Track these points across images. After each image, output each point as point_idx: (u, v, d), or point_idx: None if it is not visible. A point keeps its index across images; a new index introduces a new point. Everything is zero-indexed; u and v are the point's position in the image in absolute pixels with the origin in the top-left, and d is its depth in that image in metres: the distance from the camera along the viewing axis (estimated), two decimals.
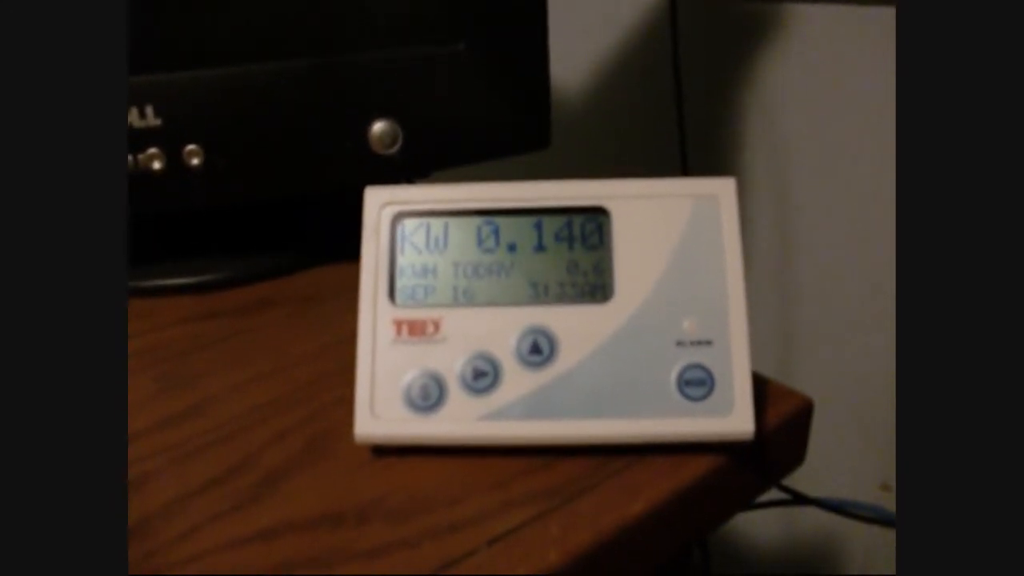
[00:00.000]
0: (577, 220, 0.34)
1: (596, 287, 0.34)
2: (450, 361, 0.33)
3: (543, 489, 0.32)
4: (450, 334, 0.34)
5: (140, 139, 0.43)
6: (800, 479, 0.42)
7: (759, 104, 0.73)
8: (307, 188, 0.48)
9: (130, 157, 0.44)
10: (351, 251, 0.36)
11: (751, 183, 0.75)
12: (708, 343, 0.33)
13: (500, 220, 0.35)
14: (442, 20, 0.45)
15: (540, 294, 0.34)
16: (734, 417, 0.33)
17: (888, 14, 0.63)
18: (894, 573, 0.27)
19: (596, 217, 0.34)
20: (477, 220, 0.35)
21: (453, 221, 0.35)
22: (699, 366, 0.33)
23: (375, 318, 0.34)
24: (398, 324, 0.34)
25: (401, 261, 0.34)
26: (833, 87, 0.68)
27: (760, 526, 0.85)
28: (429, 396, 0.33)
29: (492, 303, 0.34)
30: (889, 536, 0.75)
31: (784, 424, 0.36)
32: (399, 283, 0.34)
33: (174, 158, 0.44)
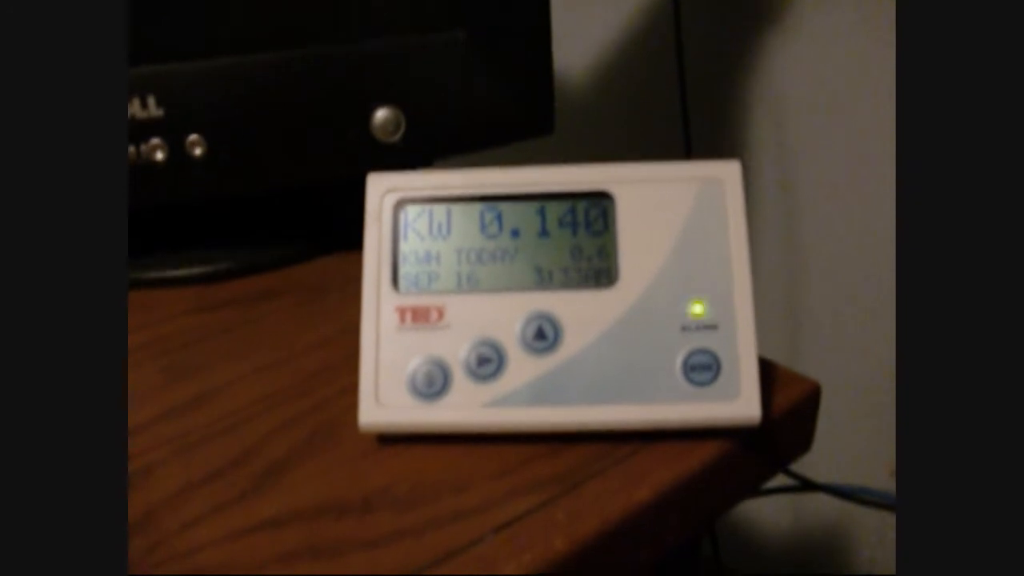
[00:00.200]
0: (581, 205, 0.34)
1: (600, 272, 0.34)
2: (454, 348, 0.33)
3: (549, 476, 0.32)
4: (454, 321, 0.33)
5: (142, 130, 0.43)
6: (808, 465, 0.42)
7: (763, 88, 0.72)
8: (310, 177, 0.47)
9: (132, 148, 0.44)
10: (356, 240, 0.35)
11: (756, 168, 0.74)
12: (714, 327, 0.33)
13: (503, 206, 0.34)
14: (444, 7, 0.45)
15: (544, 280, 0.34)
16: (741, 402, 0.32)
17: None
18: None
19: (600, 202, 0.34)
20: (480, 206, 0.34)
21: (456, 207, 0.34)
22: (705, 351, 0.33)
23: (378, 306, 0.34)
24: (402, 311, 0.34)
25: (404, 248, 0.34)
26: (838, 69, 0.68)
27: (769, 513, 0.85)
28: (434, 383, 0.33)
29: (496, 289, 0.34)
30: None
31: (791, 409, 0.36)
32: (402, 270, 0.34)
33: (176, 149, 0.44)
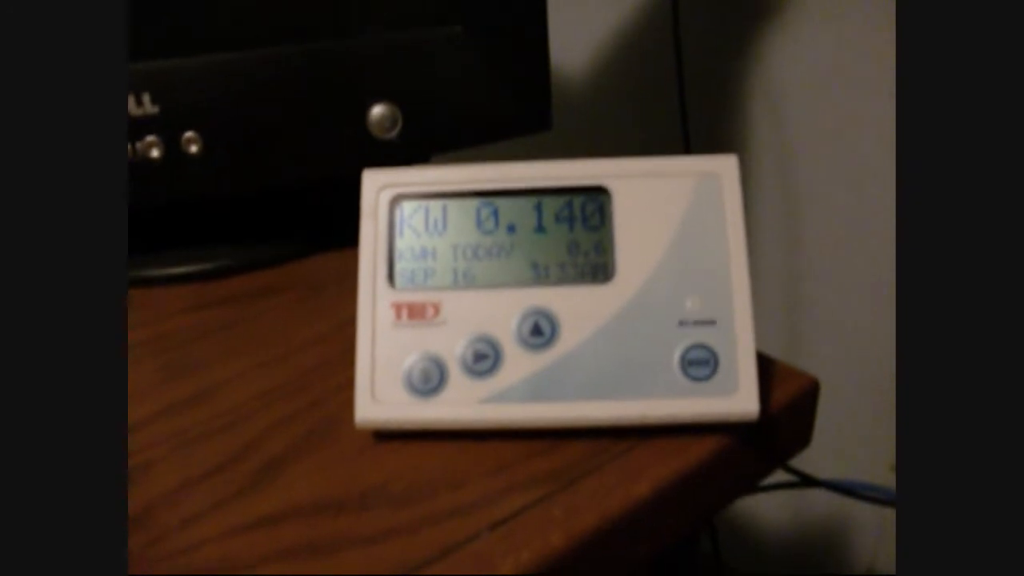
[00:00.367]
0: (577, 200, 0.34)
1: (597, 267, 0.34)
2: (451, 344, 0.33)
3: (546, 472, 0.32)
4: (450, 317, 0.33)
5: (138, 127, 0.43)
6: (808, 461, 0.42)
7: (761, 84, 0.72)
8: (307, 174, 0.47)
9: (128, 146, 0.43)
10: (352, 237, 0.35)
11: (754, 163, 0.74)
12: (711, 322, 0.33)
13: (499, 201, 0.34)
14: (440, 2, 0.44)
15: (541, 275, 0.34)
16: (739, 397, 0.32)
17: None
18: None
19: (597, 197, 0.34)
20: (476, 202, 0.34)
21: (452, 203, 0.34)
22: (702, 346, 0.33)
23: (374, 302, 0.34)
24: (397, 307, 0.34)
25: (400, 244, 0.34)
26: (836, 66, 0.68)
27: (768, 509, 0.85)
28: (430, 380, 0.33)
29: (492, 285, 0.34)
30: None
31: (790, 404, 0.35)
32: (398, 266, 0.34)
33: (172, 146, 0.44)
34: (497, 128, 0.47)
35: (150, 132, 0.43)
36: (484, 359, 0.33)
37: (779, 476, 0.40)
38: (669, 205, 0.34)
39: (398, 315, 0.33)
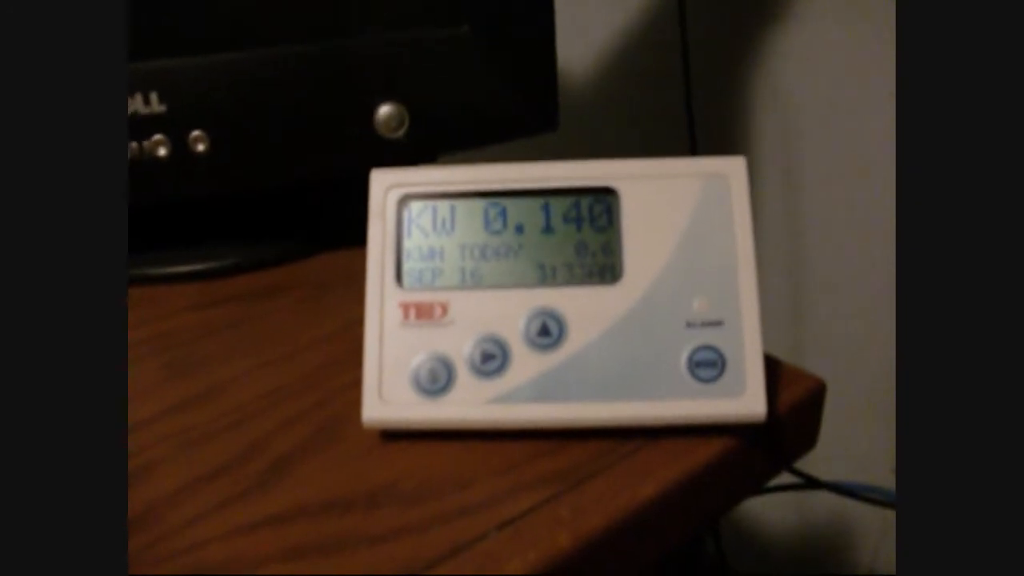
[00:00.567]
0: (585, 201, 0.34)
1: (605, 268, 0.34)
2: (458, 344, 0.33)
3: (553, 472, 0.32)
4: (458, 317, 0.33)
5: (145, 126, 0.43)
6: (811, 462, 0.42)
7: (768, 86, 0.72)
8: (313, 173, 0.47)
9: (135, 144, 0.43)
10: (358, 236, 0.35)
11: (759, 164, 0.74)
12: (719, 324, 0.33)
13: (507, 202, 0.34)
14: (448, 2, 0.44)
15: (548, 276, 0.34)
16: (746, 399, 0.32)
17: None
18: None
19: (604, 198, 0.34)
20: (484, 202, 0.34)
21: (460, 203, 0.34)
22: (710, 347, 0.32)
23: (382, 302, 0.34)
24: (405, 307, 0.33)
25: (408, 244, 0.34)
26: (843, 67, 0.68)
27: (772, 510, 0.85)
28: (437, 379, 0.33)
29: (500, 285, 0.34)
30: None
31: (796, 406, 0.35)
32: (406, 266, 0.34)
33: (179, 145, 0.44)
34: (503, 128, 0.47)
35: (157, 131, 0.43)
36: (492, 359, 0.33)
37: (782, 478, 0.40)
38: (677, 206, 0.34)
39: (406, 315, 0.33)
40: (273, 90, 0.44)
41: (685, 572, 0.46)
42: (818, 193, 0.73)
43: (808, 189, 0.73)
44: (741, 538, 0.87)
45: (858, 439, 0.74)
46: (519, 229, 0.34)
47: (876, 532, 0.79)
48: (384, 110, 0.44)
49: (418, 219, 0.34)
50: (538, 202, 0.34)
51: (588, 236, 0.34)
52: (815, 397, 0.36)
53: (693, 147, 0.66)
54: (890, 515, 0.75)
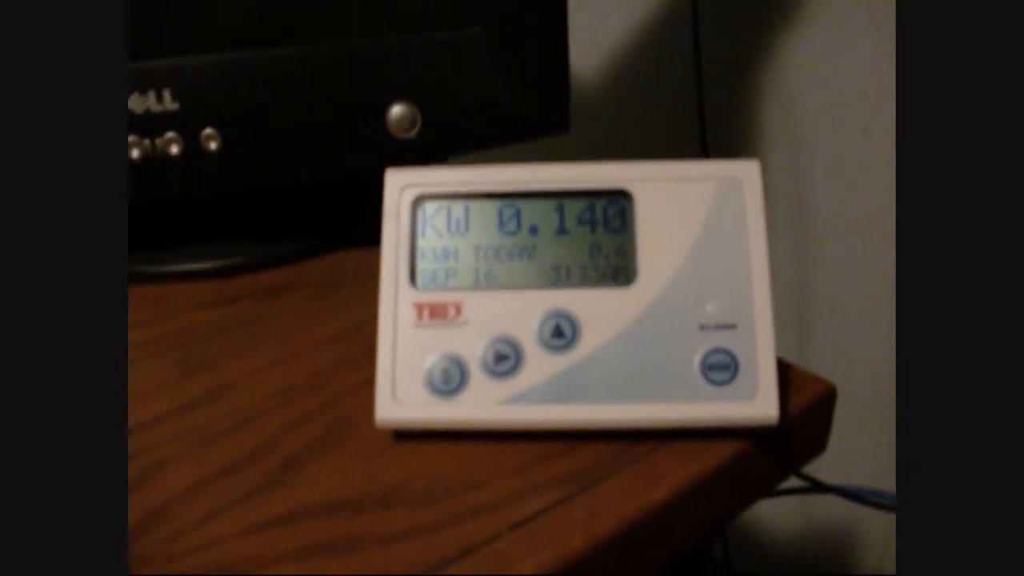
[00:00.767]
0: (599, 203, 0.34)
1: (619, 270, 0.34)
2: (472, 345, 0.33)
3: (565, 474, 0.32)
4: (472, 317, 0.33)
5: (157, 123, 0.43)
6: (818, 467, 0.42)
7: (779, 89, 0.72)
8: (324, 172, 0.47)
9: (147, 142, 0.44)
10: (370, 236, 0.35)
11: (769, 171, 0.74)
12: (732, 327, 0.33)
13: (521, 203, 0.34)
14: (460, 3, 0.44)
15: (562, 277, 0.34)
16: (758, 402, 0.32)
17: None
18: None
19: (619, 200, 0.34)
20: (498, 203, 0.34)
21: (474, 204, 0.34)
22: (723, 350, 0.32)
23: (396, 302, 0.34)
24: (419, 307, 0.34)
25: (422, 244, 0.34)
26: (854, 75, 0.68)
27: (778, 514, 0.85)
28: (451, 380, 0.33)
29: (514, 286, 0.34)
30: None
31: (807, 410, 0.35)
32: (420, 266, 0.34)
33: (191, 142, 0.44)
34: (515, 130, 0.47)
35: (170, 128, 0.43)
36: (505, 360, 0.33)
37: (790, 481, 0.40)
38: (691, 209, 0.34)
39: (419, 315, 0.33)
40: (285, 89, 0.44)
41: (692, 575, 0.46)
42: (825, 197, 0.73)
43: (815, 193, 0.73)
44: (748, 541, 0.87)
45: (864, 443, 0.74)
46: (533, 230, 0.34)
47: (881, 536, 0.79)
48: (396, 110, 0.44)
49: (432, 219, 0.34)
50: (552, 204, 0.34)
51: (602, 238, 0.34)
52: (825, 401, 0.36)
53: (704, 150, 0.66)
54: (894, 519, 0.75)
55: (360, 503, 0.31)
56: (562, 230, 0.34)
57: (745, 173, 0.34)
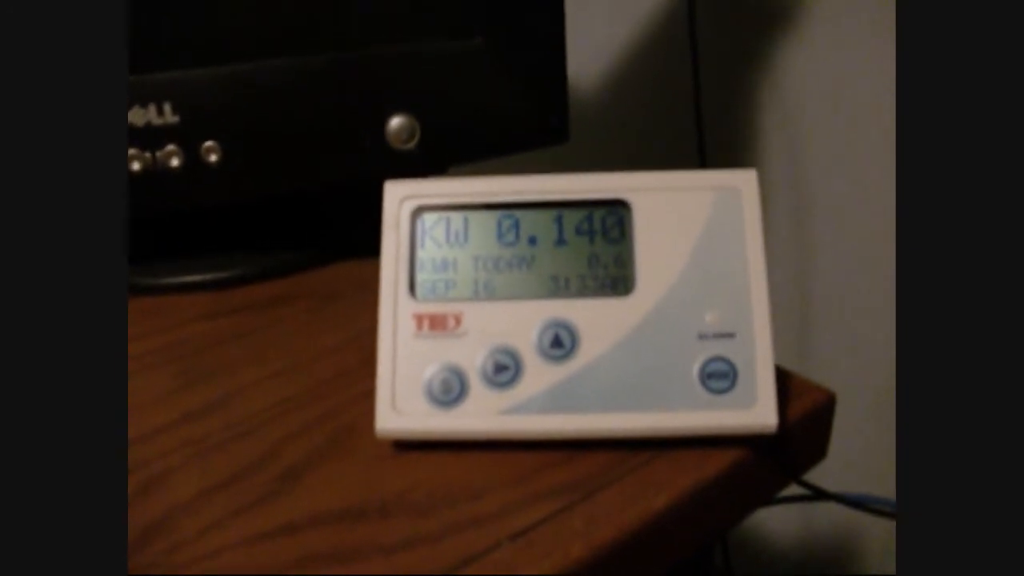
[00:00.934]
0: (598, 213, 0.34)
1: (617, 280, 0.34)
2: (471, 355, 0.33)
3: (565, 483, 0.32)
4: (471, 328, 0.33)
5: (158, 136, 0.44)
6: (818, 474, 0.42)
7: (777, 98, 0.72)
8: (324, 184, 0.48)
9: (148, 155, 0.44)
10: (369, 247, 0.36)
11: (767, 177, 0.74)
12: (731, 335, 0.33)
13: (520, 214, 0.34)
14: (459, 14, 0.45)
15: (561, 287, 0.34)
16: (757, 410, 0.32)
17: None
18: None
19: (617, 210, 0.34)
20: (497, 214, 0.34)
21: (473, 215, 0.35)
22: (722, 359, 0.33)
23: (396, 313, 0.34)
24: (419, 318, 0.34)
25: (421, 255, 0.34)
26: (852, 79, 0.68)
27: (779, 522, 0.85)
28: (450, 390, 0.33)
29: (513, 297, 0.34)
30: None
31: (806, 418, 0.36)
32: (419, 277, 0.34)
33: (192, 155, 0.44)
34: (514, 140, 0.48)
35: (170, 141, 0.43)
36: (504, 370, 0.33)
37: (790, 489, 0.40)
38: (689, 218, 0.34)
39: (419, 326, 0.34)
40: (285, 101, 0.44)
41: None
42: (824, 205, 0.73)
43: (814, 201, 0.73)
44: (748, 549, 0.87)
45: (865, 450, 0.74)
46: (532, 241, 0.34)
47: (883, 543, 0.79)
48: (396, 121, 0.44)
49: (432, 230, 0.34)
50: (551, 214, 0.34)
51: (601, 248, 0.34)
52: (824, 409, 0.37)
53: (702, 159, 0.66)
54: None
55: (361, 513, 0.31)
56: (561, 240, 0.34)
57: (743, 182, 0.34)
